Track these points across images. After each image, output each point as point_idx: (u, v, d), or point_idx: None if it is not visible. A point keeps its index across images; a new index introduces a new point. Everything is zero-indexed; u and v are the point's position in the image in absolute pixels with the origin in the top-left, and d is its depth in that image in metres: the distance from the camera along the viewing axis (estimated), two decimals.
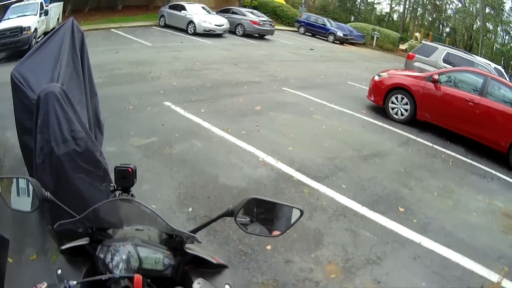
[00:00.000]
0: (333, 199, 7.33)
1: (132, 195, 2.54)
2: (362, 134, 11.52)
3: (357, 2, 66.85)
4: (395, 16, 67.00)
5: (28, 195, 2.35)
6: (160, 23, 32.66)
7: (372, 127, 12.38)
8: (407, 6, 63.85)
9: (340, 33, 39.11)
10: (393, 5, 66.75)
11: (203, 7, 32.18)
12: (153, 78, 15.00)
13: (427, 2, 61.49)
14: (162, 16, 32.63)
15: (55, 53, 6.12)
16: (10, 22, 22.00)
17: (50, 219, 4.70)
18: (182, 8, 31.08)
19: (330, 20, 41.94)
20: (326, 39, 39.41)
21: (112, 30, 29.67)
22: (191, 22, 29.75)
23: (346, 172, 8.60)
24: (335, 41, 38.88)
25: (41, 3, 24.20)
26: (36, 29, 21.40)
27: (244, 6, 41.70)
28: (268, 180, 7.72)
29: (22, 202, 2.38)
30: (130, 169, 2.53)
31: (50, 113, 4.76)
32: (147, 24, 32.95)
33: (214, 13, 32.56)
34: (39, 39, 22.82)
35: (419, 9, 64.52)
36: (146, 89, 13.25)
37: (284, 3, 49.75)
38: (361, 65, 26.50)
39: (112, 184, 2.62)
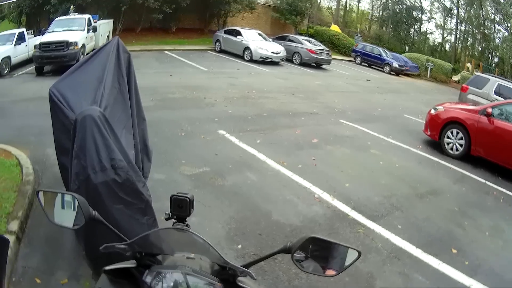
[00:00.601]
0: (388, 240, 7.06)
1: (187, 225, 2.49)
2: (419, 170, 11.19)
3: (410, 32, 66.69)
4: (447, 46, 66.52)
5: (73, 212, 2.36)
6: (216, 48, 32.65)
7: (428, 163, 12.02)
8: (458, 36, 63.33)
9: (395, 64, 38.62)
10: (445, 35, 66.32)
11: (259, 33, 32.15)
12: (207, 104, 14.91)
13: (476, 31, 60.94)
14: (218, 40, 32.62)
15: (99, 73, 5.97)
16: (55, 35, 22.14)
17: (91, 242, 4.48)
18: (238, 33, 31.00)
19: (386, 50, 41.57)
20: (382, 69, 38.94)
21: (166, 52, 29.83)
22: (247, 48, 29.58)
23: (402, 211, 8.30)
24: (391, 72, 38.37)
25: (89, 18, 24.52)
26: (84, 45, 21.53)
27: (301, 34, 41.76)
28: (323, 218, 7.46)
29: (65, 218, 2.39)
30: (187, 199, 2.48)
31: (88, 138, 4.61)
32: (202, 48, 33.00)
33: (270, 40, 32.40)
34: (87, 56, 22.88)
35: (469, 38, 63.95)
36: (200, 115, 13.16)
37: (340, 31, 49.74)
38: (416, 97, 26.15)
39: (166, 212, 2.55)
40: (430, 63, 42.80)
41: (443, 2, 63.60)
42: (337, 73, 31.49)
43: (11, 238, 5.58)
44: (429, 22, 66.83)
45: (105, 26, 28.43)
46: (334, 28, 50.27)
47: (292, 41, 33.38)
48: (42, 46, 20.85)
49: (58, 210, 2.39)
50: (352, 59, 41.76)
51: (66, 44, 20.87)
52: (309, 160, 10.31)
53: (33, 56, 21.40)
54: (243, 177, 8.82)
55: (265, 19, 44.59)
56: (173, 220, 2.53)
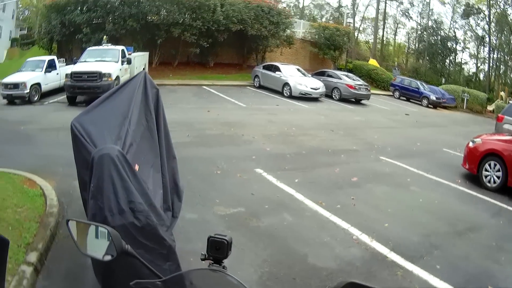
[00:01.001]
0: (426, 282, 6.86)
1: (224, 267, 2.39)
2: (457, 206, 10.96)
3: (446, 63, 67.75)
4: (481, 76, 67.51)
5: (104, 244, 2.36)
6: (255, 84, 32.75)
7: (467, 197, 11.80)
8: (491, 64, 63.60)
9: (433, 97, 38.57)
10: (478, 64, 66.75)
11: (298, 69, 32.07)
12: (245, 141, 14.89)
13: (508, 58, 61.00)
14: (256, 76, 32.69)
15: (124, 109, 5.88)
16: (88, 65, 22.22)
17: (110, 279, 4.42)
18: (277, 69, 31.01)
19: (423, 83, 41.52)
20: (420, 103, 38.86)
21: (204, 87, 30.23)
22: (286, 84, 29.51)
23: (441, 250, 8.09)
24: (429, 105, 38.28)
25: (123, 50, 24.44)
26: (118, 77, 21.50)
27: (339, 69, 42.03)
28: (361, 261, 7.26)
29: (96, 249, 2.41)
30: (225, 241, 2.42)
31: (105, 178, 4.50)
32: (241, 84, 33.22)
33: (309, 75, 32.35)
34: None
35: (501, 66, 64.08)
36: (237, 153, 13.15)
37: (378, 65, 50.06)
38: (454, 129, 25.92)
39: (203, 253, 2.47)
40: (466, 94, 42.85)
41: (476, 31, 65.19)
42: (376, 108, 31.38)
43: (29, 270, 5.57)
44: (463, 52, 68.48)
45: (140, 58, 28.63)
46: (372, 62, 50.81)
47: (331, 76, 33.34)
48: (74, 76, 21.06)
49: (88, 241, 2.42)
50: (391, 93, 41.78)
51: (99, 75, 21.01)
52: (348, 199, 10.12)
53: (65, 85, 21.72)
54: (280, 218, 8.66)
55: (304, 54, 44.81)
56: (210, 261, 2.46)
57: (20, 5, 70.64)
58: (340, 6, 77.13)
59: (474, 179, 13.12)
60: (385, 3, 70.62)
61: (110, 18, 33.39)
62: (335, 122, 21.64)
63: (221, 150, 13.36)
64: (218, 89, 29.38)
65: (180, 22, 33.21)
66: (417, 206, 10.35)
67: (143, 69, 28.24)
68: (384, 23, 72.66)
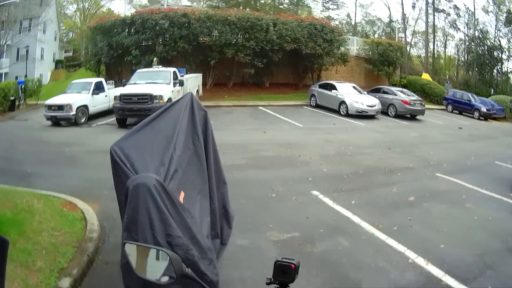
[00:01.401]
0: None
1: None
2: (510, 221, 10.80)
3: (494, 73, 66.99)
4: None
5: (162, 267, 2.43)
6: (311, 103, 32.70)
7: None
8: None
9: (484, 109, 38.16)
10: None
11: (353, 87, 31.99)
12: (302, 163, 14.83)
13: None
14: (313, 95, 32.65)
15: (168, 132, 5.66)
16: (137, 87, 22.32)
17: None
18: (333, 87, 30.94)
19: (474, 95, 41.03)
20: (471, 115, 38.52)
21: (260, 107, 30.19)
22: (342, 102, 29.46)
23: (494, 269, 7.98)
24: (480, 117, 37.84)
25: (175, 72, 24.47)
26: (170, 99, 21.28)
27: (394, 85, 41.71)
28: (416, 286, 7.19)
29: (153, 273, 2.46)
30: (293, 265, 2.46)
31: (140, 210, 4.36)
32: (297, 104, 33.13)
33: (365, 92, 32.21)
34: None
35: None
36: (294, 175, 13.09)
37: (431, 80, 49.79)
38: (505, 141, 25.50)
39: (268, 277, 2.51)
40: None
41: None
42: (430, 123, 31.08)
43: None
44: (508, 60, 67.55)
45: (193, 80, 28.66)
46: (425, 76, 50.64)
47: (386, 92, 33.24)
48: (124, 98, 21.18)
49: (146, 264, 2.48)
50: (444, 107, 41.49)
51: (150, 97, 21.05)
52: (405, 220, 10.03)
53: (114, 107, 21.84)
54: (335, 243, 8.50)
55: (359, 71, 44.76)
56: (275, 285, 2.49)
57: (63, 27, 72.14)
58: (391, 21, 77.24)
59: None
60: (433, 15, 70.46)
61: (160, 40, 33.80)
62: (392, 139, 21.60)
63: (276, 172, 13.33)
64: (274, 110, 29.38)
65: (233, 42, 33.49)
66: (472, 224, 10.25)
67: (197, 91, 28.49)
68: (434, 36, 72.31)
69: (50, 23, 57.72)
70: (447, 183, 13.72)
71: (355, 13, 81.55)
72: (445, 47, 76.33)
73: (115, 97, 21.80)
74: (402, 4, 73.26)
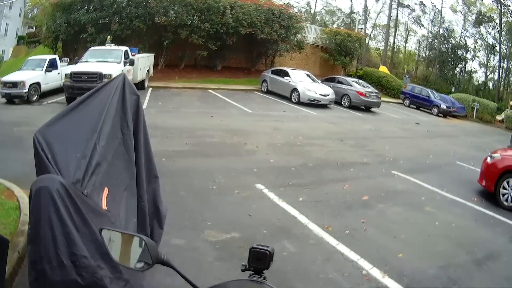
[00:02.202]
0: None
1: (264, 278, 2.41)
2: (475, 229, 10.09)
3: (456, 72, 69.09)
4: (490, 85, 69.50)
5: (138, 253, 2.34)
6: (262, 89, 32.37)
7: (484, 219, 10.88)
8: (501, 74, 65.26)
9: (443, 106, 38.25)
10: (488, 73, 68.39)
11: (307, 75, 31.56)
12: (248, 151, 14.10)
13: None
14: (265, 81, 32.27)
15: (94, 119, 4.72)
16: (88, 65, 22.23)
17: None
18: (286, 74, 30.47)
19: (434, 92, 41.37)
20: (430, 111, 38.61)
21: (210, 91, 29.91)
22: (295, 90, 28.95)
23: (459, 285, 7.18)
24: (439, 114, 38.01)
25: (126, 51, 24.33)
26: None
27: (350, 75, 41.68)
28: None
29: (130, 259, 2.37)
30: (267, 252, 2.44)
31: (42, 221, 3.50)
32: (249, 89, 32.93)
33: (319, 81, 31.81)
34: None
35: (511, 75, 65.27)
36: (238, 165, 12.33)
37: (389, 73, 50.21)
38: (466, 140, 25.25)
39: (243, 264, 2.47)
40: (476, 103, 42.82)
41: (486, 39, 67.61)
42: (386, 116, 30.80)
43: None
44: (473, 60, 70.66)
45: (144, 60, 28.20)
46: (383, 69, 51.11)
47: (341, 82, 32.70)
48: (74, 76, 20.87)
49: (121, 250, 2.39)
50: (401, 101, 41.61)
51: (99, 76, 20.68)
52: (358, 223, 9.09)
53: (64, 85, 21.52)
54: (279, 246, 7.49)
55: (314, 59, 44.52)
56: (250, 272, 2.45)
57: (29, 3, 71.32)
58: (352, 12, 78.67)
59: (490, 197, 12.36)
60: (397, 10, 72.00)
61: (117, 18, 33.26)
62: (344, 131, 20.98)
63: (220, 161, 12.61)
64: (224, 94, 28.91)
65: (188, 24, 33.11)
66: (433, 231, 9.45)
67: (148, 71, 28.10)
68: (396, 30, 74.16)
69: None
70: (404, 182, 13.00)
71: (316, 2, 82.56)
72: (405, 41, 78.73)
73: (66, 75, 21.36)
74: None
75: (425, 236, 9.05)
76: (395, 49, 75.77)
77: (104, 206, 4.25)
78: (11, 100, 21.82)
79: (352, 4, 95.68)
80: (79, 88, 20.00)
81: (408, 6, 72.81)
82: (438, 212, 10.68)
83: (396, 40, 75.62)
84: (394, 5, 70.90)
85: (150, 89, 27.91)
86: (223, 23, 33.17)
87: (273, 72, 32.13)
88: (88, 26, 32.39)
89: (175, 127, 16.43)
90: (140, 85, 26.32)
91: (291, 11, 41.18)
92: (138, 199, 5.23)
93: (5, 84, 21.73)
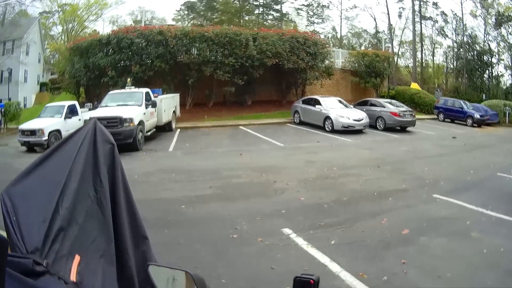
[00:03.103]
0: None
1: None
2: None
3: (484, 78, 68.42)
4: None
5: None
6: (295, 120, 32.02)
7: None
8: None
9: (477, 115, 37.90)
10: None
11: (339, 101, 31.16)
12: (276, 190, 13.26)
13: None
14: (296, 112, 31.92)
15: (58, 176, 3.75)
16: (108, 110, 22.00)
17: None
18: (317, 102, 30.03)
19: (466, 102, 40.85)
20: (464, 123, 38.20)
21: (240, 127, 29.52)
22: (327, 118, 28.51)
23: None
24: (473, 124, 37.48)
25: (147, 93, 23.91)
26: (142, 122, 20.93)
27: (382, 96, 41.47)
28: None
29: None
30: (312, 281, 2.23)
31: None
32: (281, 121, 32.65)
33: (351, 106, 31.26)
34: (148, 133, 21.84)
35: None
36: (264, 207, 11.47)
37: (420, 89, 49.78)
38: (503, 149, 24.48)
39: None
40: (507, 108, 42.32)
41: (508, 40, 66.81)
42: (422, 134, 30.16)
43: None
44: (498, 64, 69.29)
45: (168, 101, 27.78)
46: (414, 86, 50.91)
47: (374, 105, 32.30)
48: None
49: (169, 285, 2.41)
50: (435, 116, 41.00)
51: (119, 121, 20.20)
52: (398, 264, 7.95)
53: None
54: None
55: (345, 84, 44.14)
56: None
57: (48, 49, 72.08)
58: (377, 32, 78.65)
59: None
60: (421, 23, 72.10)
61: (136, 60, 33.12)
62: (381, 156, 20.25)
63: (245, 205, 11.79)
64: (255, 129, 28.47)
65: (212, 60, 32.98)
66: (481, 262, 8.35)
67: (174, 112, 27.63)
68: (422, 44, 73.92)
69: (33, 45, 57.87)
70: (447, 206, 11.98)
71: (341, 26, 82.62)
72: (433, 55, 78.64)
73: (85, 121, 20.36)
74: (388, 14, 74.89)
75: (473, 269, 8.01)
76: (423, 64, 75.81)
77: (73, 278, 3.35)
78: (31, 148, 21.77)
79: (376, 24, 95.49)
80: None
81: (430, 18, 73.26)
82: (485, 237, 9.66)
83: (423, 54, 75.80)
84: (417, 19, 71.32)
85: (178, 130, 27.63)
86: (248, 56, 32.92)
87: (304, 102, 31.65)
88: (108, 70, 32.40)
89: (200, 169, 15.90)
90: (167, 127, 26.10)
91: (315, 37, 40.70)
92: (123, 266, 4.32)
93: (23, 132, 21.75)
